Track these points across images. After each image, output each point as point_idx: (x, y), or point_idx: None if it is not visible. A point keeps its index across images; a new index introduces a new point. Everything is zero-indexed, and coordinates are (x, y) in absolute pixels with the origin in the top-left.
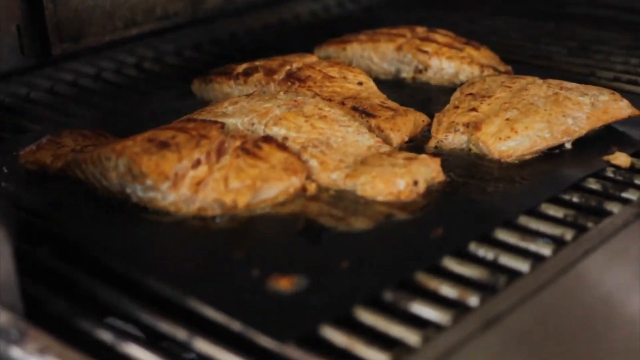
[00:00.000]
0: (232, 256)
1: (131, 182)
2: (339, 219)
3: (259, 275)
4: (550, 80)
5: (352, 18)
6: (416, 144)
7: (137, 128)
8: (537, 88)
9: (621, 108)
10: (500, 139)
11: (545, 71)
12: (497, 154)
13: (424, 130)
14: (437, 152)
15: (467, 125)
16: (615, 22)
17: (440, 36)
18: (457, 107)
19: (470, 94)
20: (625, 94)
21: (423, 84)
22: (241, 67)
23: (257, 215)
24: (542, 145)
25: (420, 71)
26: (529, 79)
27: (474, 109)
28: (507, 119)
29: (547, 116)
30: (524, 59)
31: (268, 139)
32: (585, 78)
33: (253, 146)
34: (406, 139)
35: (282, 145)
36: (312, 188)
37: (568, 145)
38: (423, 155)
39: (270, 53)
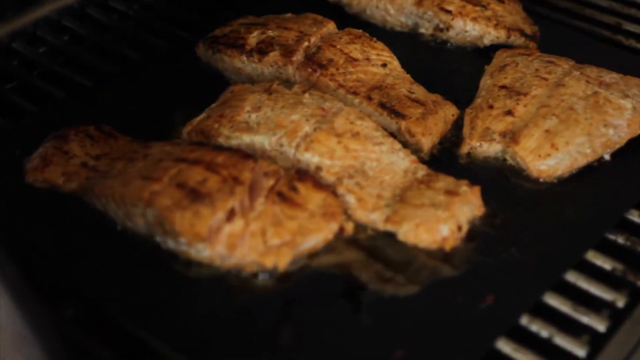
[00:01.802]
0: (276, 342)
1: (162, 234)
2: (382, 279)
3: None
4: (588, 71)
5: None
6: (448, 147)
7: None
8: (575, 83)
9: None
10: (539, 156)
11: (570, 18)
12: (535, 172)
13: (453, 127)
14: (469, 162)
15: (503, 134)
16: None
17: None
18: (491, 107)
19: (504, 86)
20: None
21: (442, 44)
22: (253, 39)
23: (295, 272)
24: (582, 162)
25: (441, 30)
26: (565, 65)
27: (510, 112)
28: (547, 131)
29: (587, 127)
30: None
31: (302, 176)
32: (613, 34)
33: (288, 189)
34: (437, 141)
35: (317, 183)
36: (349, 228)
37: (607, 157)
38: (464, 188)
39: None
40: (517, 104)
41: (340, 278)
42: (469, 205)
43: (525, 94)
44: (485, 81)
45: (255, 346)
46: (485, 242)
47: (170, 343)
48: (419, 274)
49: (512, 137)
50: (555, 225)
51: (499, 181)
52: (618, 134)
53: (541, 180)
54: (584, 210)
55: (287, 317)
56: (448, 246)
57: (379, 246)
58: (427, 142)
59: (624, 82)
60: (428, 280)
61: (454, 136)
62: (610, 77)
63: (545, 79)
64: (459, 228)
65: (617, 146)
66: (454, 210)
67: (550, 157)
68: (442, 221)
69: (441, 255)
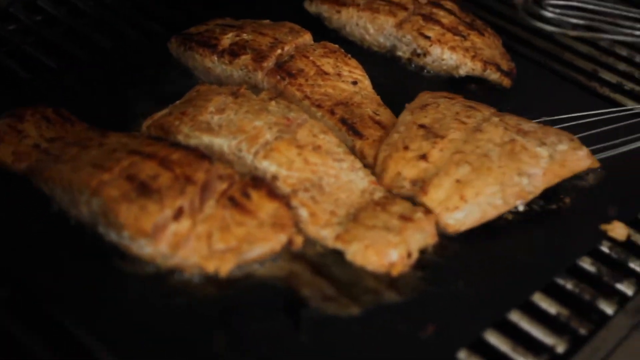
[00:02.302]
0: (211, 347)
1: (105, 225)
2: (325, 297)
3: None
4: (508, 119)
5: None
6: None
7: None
8: (493, 130)
9: (579, 159)
10: (447, 208)
11: (548, 60)
12: (443, 225)
13: None
14: None
15: (414, 182)
16: None
17: (445, 14)
18: (406, 149)
19: (423, 125)
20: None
21: (418, 69)
22: (227, 40)
23: (238, 279)
24: (492, 214)
25: (418, 55)
26: (485, 112)
27: (424, 157)
28: (458, 181)
29: (500, 176)
30: (527, 36)
31: (257, 184)
32: (588, 80)
33: (241, 195)
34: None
35: (271, 192)
36: (298, 242)
37: (520, 208)
38: (419, 215)
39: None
40: (433, 147)
41: (283, 291)
42: (422, 233)
43: (442, 137)
44: (405, 117)
45: (187, 350)
46: (433, 271)
47: (99, 338)
48: (363, 296)
49: (421, 186)
50: (506, 263)
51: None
52: (533, 183)
53: (450, 233)
54: (537, 252)
55: (223, 325)
56: (395, 271)
57: (326, 264)
58: (384, 174)
59: (543, 131)
60: (371, 304)
61: None
62: (529, 125)
63: (464, 123)
64: (409, 255)
65: (531, 196)
66: (406, 236)
67: (459, 209)
68: (393, 246)
69: (388, 280)
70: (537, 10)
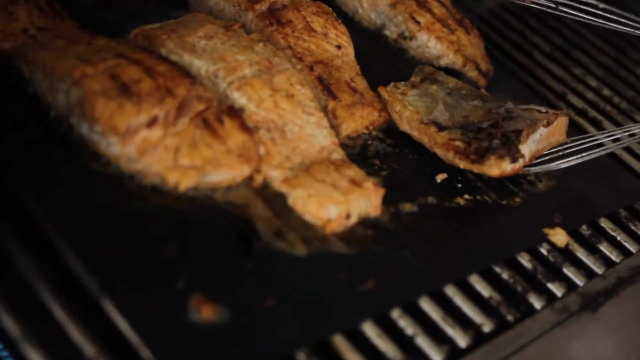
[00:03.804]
0: (158, 252)
1: (79, 117)
2: (277, 233)
3: (182, 289)
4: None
5: None
6: (360, 142)
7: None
8: None
9: None
10: None
11: (523, 72)
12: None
13: (379, 126)
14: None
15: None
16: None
17: (438, 5)
18: None
19: None
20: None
21: (402, 50)
22: None
23: (196, 197)
24: None
25: (404, 37)
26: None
27: None
28: None
29: None
30: (507, 48)
31: (232, 113)
32: (556, 99)
33: (215, 119)
34: (353, 135)
35: (244, 125)
36: (258, 180)
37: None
38: (368, 184)
39: None
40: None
41: (238, 219)
42: (366, 200)
43: None
44: None
45: (137, 250)
46: (384, 234)
47: (56, 224)
48: (313, 241)
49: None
50: (452, 242)
51: (419, 182)
52: None
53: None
54: (481, 238)
55: (176, 235)
56: (329, 228)
57: (283, 205)
58: (345, 130)
59: None
60: (319, 249)
61: (372, 137)
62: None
63: None
64: (347, 216)
65: None
66: (350, 198)
67: None
68: (335, 203)
69: (338, 232)
70: None
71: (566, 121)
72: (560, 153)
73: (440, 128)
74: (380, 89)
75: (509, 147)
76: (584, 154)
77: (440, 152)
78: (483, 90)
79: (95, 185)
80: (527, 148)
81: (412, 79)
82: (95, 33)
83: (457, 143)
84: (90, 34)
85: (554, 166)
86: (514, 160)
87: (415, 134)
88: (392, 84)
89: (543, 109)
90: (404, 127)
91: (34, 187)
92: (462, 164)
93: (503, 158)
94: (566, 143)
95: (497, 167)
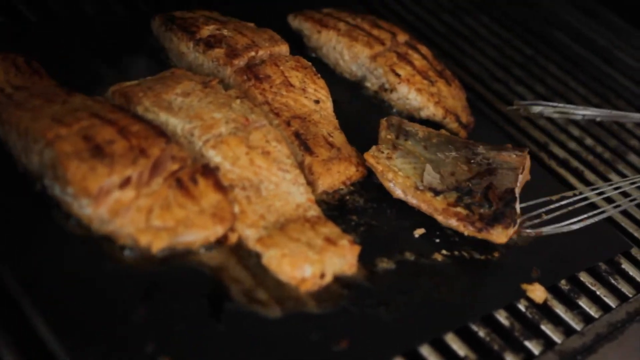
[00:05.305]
0: (127, 315)
1: (52, 179)
2: (249, 294)
3: (150, 353)
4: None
5: None
6: (338, 197)
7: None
8: None
9: None
10: None
11: (505, 123)
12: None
13: (357, 180)
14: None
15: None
16: (591, 65)
17: (419, 57)
18: None
19: None
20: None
21: (383, 103)
22: (207, 31)
23: (168, 258)
24: None
25: (385, 90)
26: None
27: None
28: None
29: None
30: (490, 98)
31: (206, 173)
32: (538, 150)
33: (189, 178)
34: (330, 191)
35: (218, 184)
36: (233, 239)
37: None
38: (344, 242)
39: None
40: None
41: (210, 280)
42: (341, 259)
43: None
44: None
45: (106, 313)
46: (359, 293)
47: (23, 286)
48: (286, 301)
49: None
50: (428, 299)
51: (396, 237)
52: None
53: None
54: (458, 295)
55: (146, 297)
56: (304, 288)
57: (257, 265)
58: (322, 186)
59: None
60: (292, 309)
61: (349, 193)
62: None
63: None
64: (322, 275)
65: None
66: (325, 257)
67: None
68: (309, 262)
69: (313, 291)
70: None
71: (529, 160)
72: (557, 213)
73: (436, 193)
74: (367, 156)
75: (510, 212)
76: (595, 211)
77: (441, 219)
78: (443, 131)
79: (66, 246)
80: (518, 204)
81: (388, 136)
82: (72, 91)
83: (458, 209)
84: (67, 92)
85: (566, 227)
86: (515, 223)
87: (412, 201)
88: (374, 147)
89: (511, 152)
90: (398, 195)
91: (3, 248)
92: (467, 232)
93: (510, 226)
94: (558, 200)
95: (505, 236)
